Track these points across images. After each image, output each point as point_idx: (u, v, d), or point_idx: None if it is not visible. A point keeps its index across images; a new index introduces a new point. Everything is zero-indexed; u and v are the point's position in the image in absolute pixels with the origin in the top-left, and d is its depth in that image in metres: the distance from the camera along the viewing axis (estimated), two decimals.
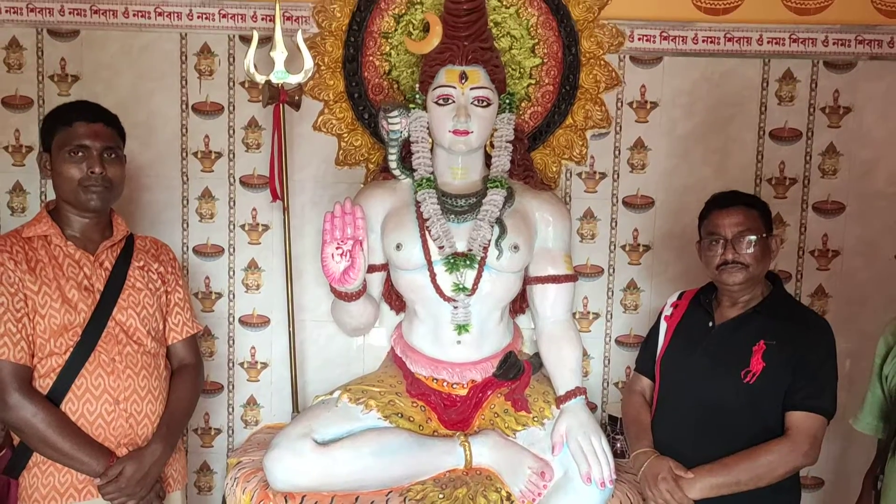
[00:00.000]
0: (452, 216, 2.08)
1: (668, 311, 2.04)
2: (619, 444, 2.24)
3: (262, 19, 2.34)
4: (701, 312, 1.95)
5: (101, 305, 1.75)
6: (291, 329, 2.26)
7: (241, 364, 2.50)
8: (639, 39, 2.35)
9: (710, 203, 1.93)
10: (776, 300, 1.89)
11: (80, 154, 1.76)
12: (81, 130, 1.75)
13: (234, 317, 2.47)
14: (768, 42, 2.34)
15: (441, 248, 2.04)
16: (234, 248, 2.45)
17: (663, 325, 2.02)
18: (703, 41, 2.34)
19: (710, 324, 1.92)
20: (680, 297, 2.04)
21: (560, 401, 2.05)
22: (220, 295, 2.47)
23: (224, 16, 2.35)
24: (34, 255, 1.74)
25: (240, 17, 2.35)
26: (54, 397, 1.71)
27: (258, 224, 2.44)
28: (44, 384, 1.72)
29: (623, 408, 2.11)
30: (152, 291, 1.87)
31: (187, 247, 2.44)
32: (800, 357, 1.78)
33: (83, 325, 1.73)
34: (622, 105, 2.39)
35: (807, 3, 2.34)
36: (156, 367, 1.83)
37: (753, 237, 1.83)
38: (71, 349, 1.71)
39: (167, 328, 1.92)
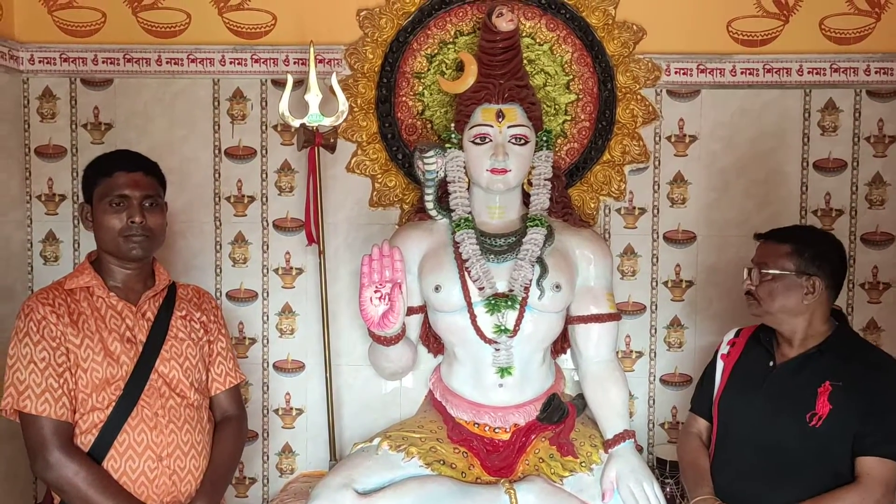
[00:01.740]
0: (492, 256, 2.04)
1: (724, 349, 1.97)
2: (668, 489, 2.16)
3: (294, 63, 2.35)
4: (760, 351, 1.89)
5: (144, 357, 1.72)
6: (328, 374, 2.23)
7: (276, 411, 2.46)
8: (675, 73, 2.32)
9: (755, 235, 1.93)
10: (841, 339, 1.82)
11: (120, 204, 1.74)
12: (121, 180, 1.74)
13: (268, 362, 2.43)
14: (808, 72, 2.31)
15: (481, 288, 2.00)
16: (267, 293, 2.42)
17: (720, 364, 1.95)
18: (742, 73, 2.31)
19: (771, 363, 1.85)
20: (737, 335, 1.98)
21: (608, 445, 2.00)
22: (253, 340, 2.44)
23: (256, 60, 2.36)
24: (76, 307, 1.72)
25: (272, 61, 2.36)
26: (96, 454, 1.67)
27: (292, 268, 2.42)
28: (85, 441, 1.68)
29: (679, 451, 2.03)
30: (195, 341, 1.84)
31: (220, 292, 2.42)
32: (869, 399, 1.71)
33: (126, 379, 1.70)
34: (660, 139, 2.36)
35: (846, 32, 2.32)
36: (199, 421, 1.78)
37: (769, 271, 1.79)
38: (113, 404, 1.68)
39: (210, 379, 1.88)
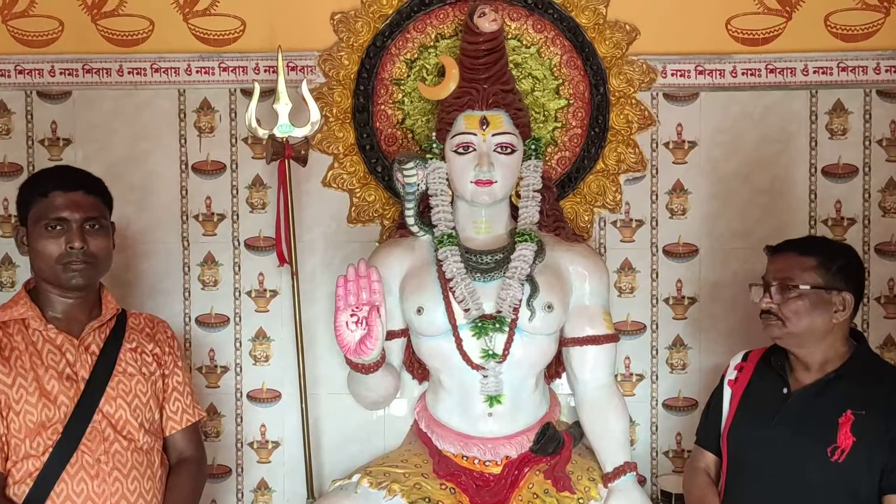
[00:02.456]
0: (478, 275, 1.95)
1: (732, 374, 1.85)
2: None
3: (265, 71, 2.26)
4: (772, 376, 1.76)
5: (86, 396, 1.58)
6: (304, 404, 2.13)
7: (251, 444, 2.35)
8: (672, 75, 2.24)
9: (766, 248, 1.79)
10: (861, 361, 1.68)
11: (57, 228, 1.61)
12: (59, 201, 1.61)
13: (241, 392, 2.33)
14: (814, 72, 2.23)
15: (467, 310, 1.91)
16: (240, 318, 2.33)
17: (727, 392, 1.83)
18: (743, 74, 2.23)
19: (785, 390, 1.72)
20: (745, 359, 1.85)
21: (608, 479, 1.91)
22: (225, 369, 2.33)
23: (224, 69, 2.28)
24: (9, 342, 1.58)
25: (241, 69, 2.27)
26: None
27: (266, 290, 2.32)
28: (19, 491, 1.53)
29: (686, 488, 1.90)
30: (146, 377, 1.70)
31: (189, 317, 2.32)
32: None
33: (64, 421, 1.55)
34: (657, 146, 2.28)
35: (853, 28, 2.23)
36: (149, 466, 1.64)
37: (796, 286, 1.66)
38: (50, 450, 1.53)
39: (164, 417, 1.75)
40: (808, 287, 1.66)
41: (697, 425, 1.96)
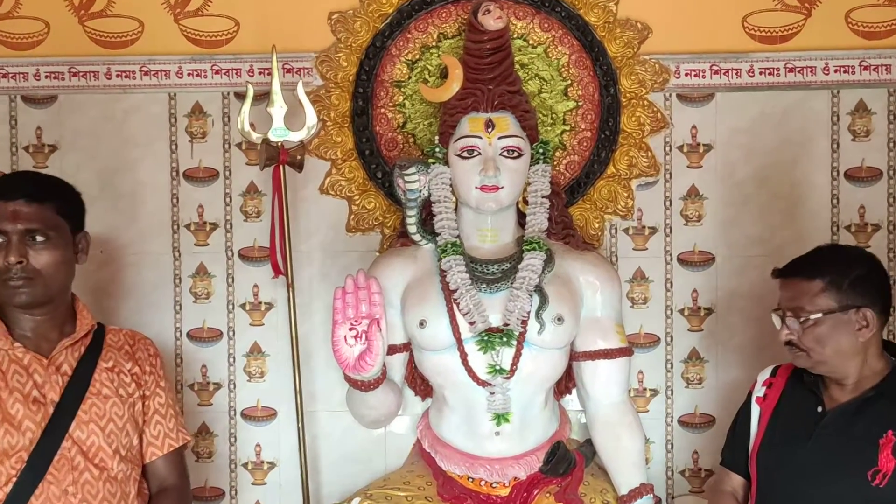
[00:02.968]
0: (484, 285, 1.89)
1: (760, 391, 1.76)
2: None
3: (260, 73, 2.21)
4: (805, 393, 1.67)
5: (55, 421, 1.49)
6: (300, 422, 2.07)
7: (245, 465, 2.29)
8: (686, 75, 2.19)
9: (773, 272, 1.71)
10: None
11: None
12: None
13: (235, 410, 2.28)
14: (836, 71, 2.18)
15: (472, 323, 1.85)
16: (233, 332, 2.28)
17: (755, 410, 1.74)
18: (761, 73, 2.18)
19: (819, 409, 1.63)
20: (774, 374, 1.76)
21: (623, 501, 1.87)
22: (218, 385, 2.28)
23: (217, 72, 2.23)
24: None
25: (235, 72, 2.23)
26: None
27: (261, 303, 2.27)
28: None
29: None
30: (123, 399, 1.61)
31: (181, 332, 2.27)
32: None
33: (30, 448, 1.45)
34: (671, 149, 2.23)
35: (876, 25, 2.18)
36: (123, 497, 1.54)
37: (809, 316, 1.58)
38: (13, 480, 1.43)
39: (144, 443, 1.65)
40: (820, 314, 1.58)
41: (722, 446, 1.88)
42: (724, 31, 2.18)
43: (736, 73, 2.18)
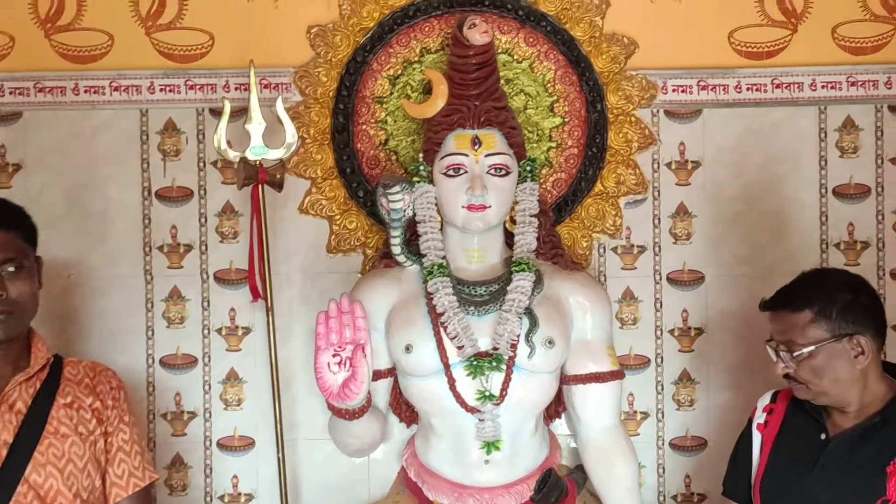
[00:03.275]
0: (471, 308, 1.86)
1: (760, 417, 1.72)
2: None
3: (236, 88, 2.18)
4: (807, 420, 1.63)
5: (8, 465, 1.42)
6: (280, 452, 2.02)
7: (221, 497, 2.23)
8: (673, 91, 2.19)
9: (771, 297, 1.67)
10: None
11: None
12: None
13: (210, 440, 2.22)
14: (823, 87, 2.18)
15: (460, 347, 1.81)
16: (209, 358, 2.22)
17: (757, 437, 1.70)
18: (748, 89, 2.19)
19: (823, 436, 1.60)
20: (774, 400, 1.72)
21: None
22: (193, 414, 2.22)
23: (191, 87, 2.20)
24: None
25: (209, 87, 2.20)
26: None
27: (238, 327, 2.22)
28: None
29: None
30: (83, 437, 1.53)
31: (153, 358, 2.21)
32: None
33: None
34: (659, 166, 2.21)
35: (862, 41, 2.19)
36: None
37: (802, 351, 1.55)
38: None
39: (108, 483, 1.57)
40: (813, 347, 1.55)
41: (717, 471, 1.84)
42: (710, 47, 2.18)
43: (723, 89, 2.18)
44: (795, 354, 1.56)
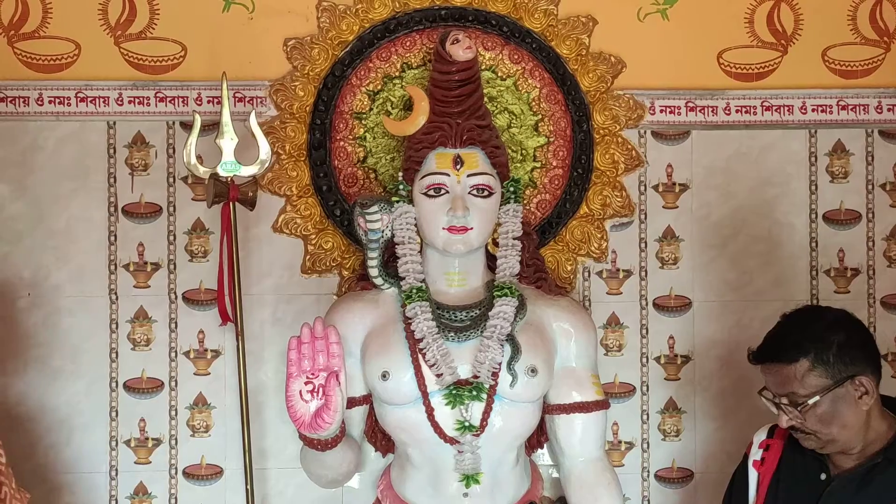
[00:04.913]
0: (451, 334, 1.82)
1: (756, 453, 1.68)
2: None
3: (208, 101, 2.15)
4: (806, 458, 1.59)
5: None
6: (249, 482, 1.98)
7: None
8: (661, 111, 2.18)
9: (757, 348, 1.60)
10: None
11: None
12: None
13: (176, 468, 2.17)
14: (813, 110, 2.19)
15: (439, 375, 1.78)
16: (176, 382, 2.18)
17: (753, 475, 1.66)
18: (737, 111, 2.19)
19: (823, 475, 1.55)
20: (771, 435, 1.67)
21: None
22: (158, 441, 2.17)
23: (161, 99, 2.16)
24: None
25: (181, 100, 2.16)
26: None
27: (206, 350, 2.18)
28: None
29: None
30: None
31: (117, 382, 2.16)
32: None
33: None
34: (646, 189, 2.20)
35: (853, 64, 2.19)
36: None
37: (806, 402, 1.50)
38: None
39: None
40: (817, 396, 1.50)
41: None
42: (699, 67, 2.19)
43: (712, 111, 2.18)
44: (800, 407, 1.51)
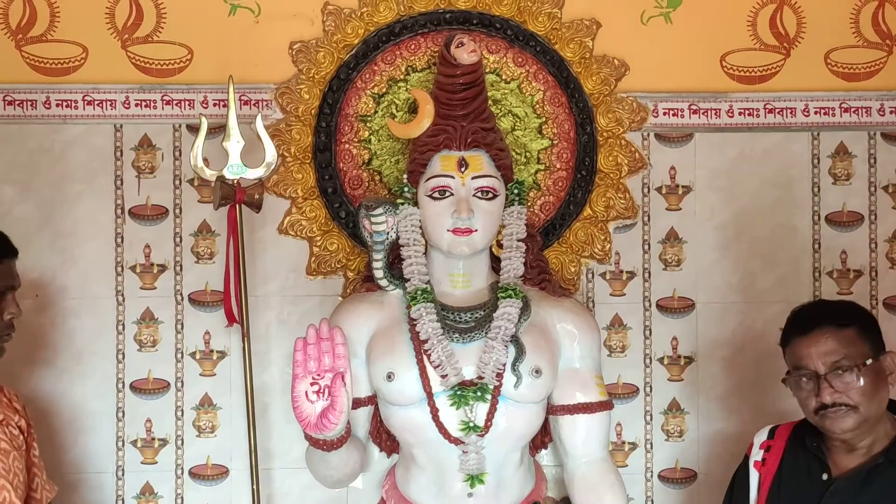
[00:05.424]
0: (456, 335, 1.82)
1: (757, 454, 1.68)
2: None
3: (214, 105, 2.15)
4: (808, 459, 1.59)
5: None
6: (255, 482, 1.98)
7: None
8: (664, 114, 2.18)
9: (790, 325, 1.60)
10: None
11: None
12: None
13: (183, 469, 2.17)
14: (815, 112, 2.18)
15: (444, 376, 1.78)
16: (182, 383, 2.18)
17: (754, 475, 1.66)
18: (740, 114, 2.18)
19: (825, 476, 1.55)
20: (772, 436, 1.68)
21: None
22: (164, 442, 2.17)
23: (168, 102, 2.16)
24: None
25: (187, 102, 2.16)
26: None
27: (212, 351, 2.18)
28: None
29: None
30: (21, 452, 1.60)
31: (123, 383, 2.16)
32: None
33: None
34: (649, 191, 2.20)
35: (855, 66, 2.19)
36: None
37: (855, 370, 1.50)
38: None
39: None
40: (871, 360, 1.51)
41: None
42: (702, 70, 2.18)
43: (715, 114, 2.17)
44: (849, 371, 1.49)
